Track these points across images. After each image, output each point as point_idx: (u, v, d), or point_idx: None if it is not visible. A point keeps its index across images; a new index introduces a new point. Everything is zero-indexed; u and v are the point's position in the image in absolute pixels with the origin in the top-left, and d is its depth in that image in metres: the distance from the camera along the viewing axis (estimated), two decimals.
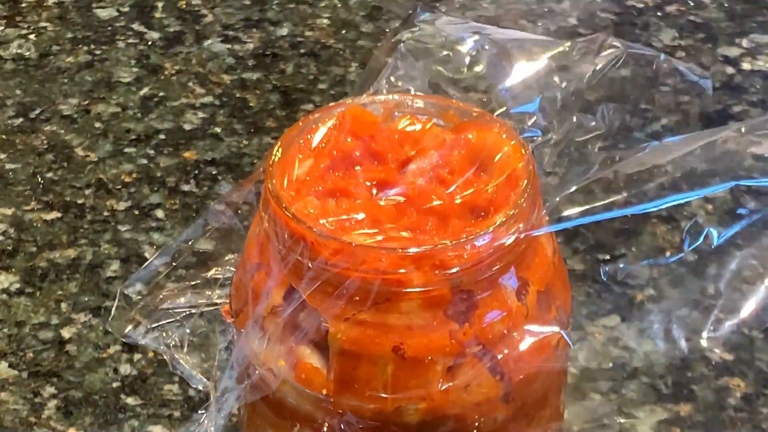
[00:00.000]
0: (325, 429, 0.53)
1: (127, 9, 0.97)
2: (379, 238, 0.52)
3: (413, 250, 0.51)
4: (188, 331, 0.60)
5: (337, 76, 0.90)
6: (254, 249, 0.55)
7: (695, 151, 0.61)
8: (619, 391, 0.66)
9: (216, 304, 0.60)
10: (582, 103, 0.82)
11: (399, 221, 0.52)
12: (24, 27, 0.96)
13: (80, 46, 0.94)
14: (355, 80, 0.89)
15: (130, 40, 0.94)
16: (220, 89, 0.89)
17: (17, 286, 0.74)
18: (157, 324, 0.71)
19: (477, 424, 0.53)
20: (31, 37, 0.95)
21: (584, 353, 0.68)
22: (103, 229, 0.78)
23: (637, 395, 0.66)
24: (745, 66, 0.90)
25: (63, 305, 0.73)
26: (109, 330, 0.71)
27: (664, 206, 0.59)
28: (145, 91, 0.89)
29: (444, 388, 0.52)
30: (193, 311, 0.60)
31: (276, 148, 0.56)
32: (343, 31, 0.94)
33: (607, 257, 0.75)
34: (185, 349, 0.59)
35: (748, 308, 0.61)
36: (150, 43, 0.94)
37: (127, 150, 0.84)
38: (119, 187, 0.81)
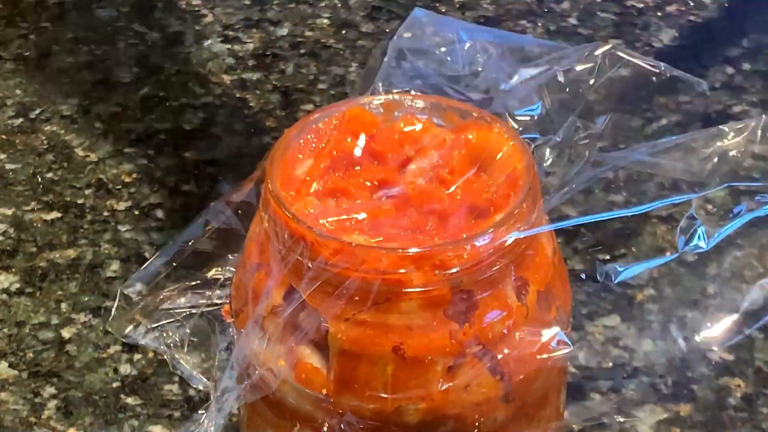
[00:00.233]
0: (325, 429, 0.53)
1: (127, 9, 0.97)
2: (379, 238, 0.52)
3: (413, 250, 0.51)
4: (188, 331, 0.60)
5: (337, 76, 0.90)
6: (254, 249, 0.55)
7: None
8: (619, 391, 0.66)
9: (216, 304, 0.60)
10: (582, 107, 0.82)
11: (399, 221, 0.52)
12: (24, 27, 0.96)
13: (80, 46, 0.94)
14: (355, 80, 0.89)
15: (130, 40, 0.94)
16: (220, 89, 0.89)
17: (17, 286, 0.75)
18: (157, 324, 0.71)
19: (477, 424, 0.53)
20: (31, 37, 0.95)
21: (584, 353, 0.68)
22: (103, 229, 0.78)
23: (637, 395, 0.67)
24: (745, 66, 0.90)
25: (63, 305, 0.73)
26: (109, 330, 0.71)
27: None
28: (145, 91, 0.89)
29: (444, 388, 0.52)
30: (193, 311, 0.60)
31: (276, 148, 0.56)
32: (343, 31, 0.94)
33: (607, 257, 0.75)
34: (185, 349, 0.60)
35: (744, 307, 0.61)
36: (150, 43, 0.94)
37: (127, 150, 0.84)
38: (119, 187, 0.81)
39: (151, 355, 0.69)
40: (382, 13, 0.96)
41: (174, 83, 0.90)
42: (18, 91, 0.90)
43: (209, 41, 0.94)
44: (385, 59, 0.61)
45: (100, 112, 0.88)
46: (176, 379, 0.68)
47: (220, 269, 0.61)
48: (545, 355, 0.54)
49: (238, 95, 0.89)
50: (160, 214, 0.79)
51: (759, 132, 0.56)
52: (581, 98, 0.75)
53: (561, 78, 0.64)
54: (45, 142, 0.85)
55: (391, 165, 0.55)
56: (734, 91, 0.88)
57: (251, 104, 0.88)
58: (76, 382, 0.69)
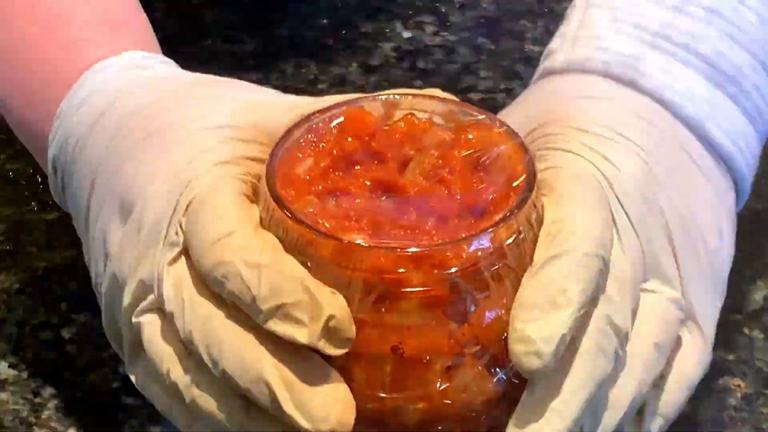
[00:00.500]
0: None
1: None
2: (379, 237, 0.52)
3: (412, 249, 0.51)
4: None
5: (337, 76, 0.90)
6: None
7: None
8: None
9: None
10: None
11: (399, 221, 0.52)
12: None
13: None
14: (355, 80, 0.89)
15: None
16: None
17: (17, 286, 0.75)
18: None
19: (476, 424, 0.53)
20: None
21: None
22: None
23: None
24: None
25: (63, 305, 0.73)
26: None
27: None
28: None
29: (443, 388, 0.52)
30: None
31: (276, 147, 0.56)
32: (343, 31, 0.94)
33: None
34: None
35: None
36: None
37: None
38: None
39: None
40: (382, 13, 0.96)
41: None
42: None
43: (209, 41, 0.94)
44: None
45: None
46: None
47: None
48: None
49: None
50: None
51: None
52: None
53: None
54: None
55: (391, 165, 0.55)
56: None
57: None
58: (76, 382, 0.69)
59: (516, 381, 0.52)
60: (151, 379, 0.56)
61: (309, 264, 0.51)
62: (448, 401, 0.52)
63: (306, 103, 0.58)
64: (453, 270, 0.51)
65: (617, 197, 0.55)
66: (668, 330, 0.55)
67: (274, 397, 0.50)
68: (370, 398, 0.52)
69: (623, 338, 0.53)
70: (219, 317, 0.52)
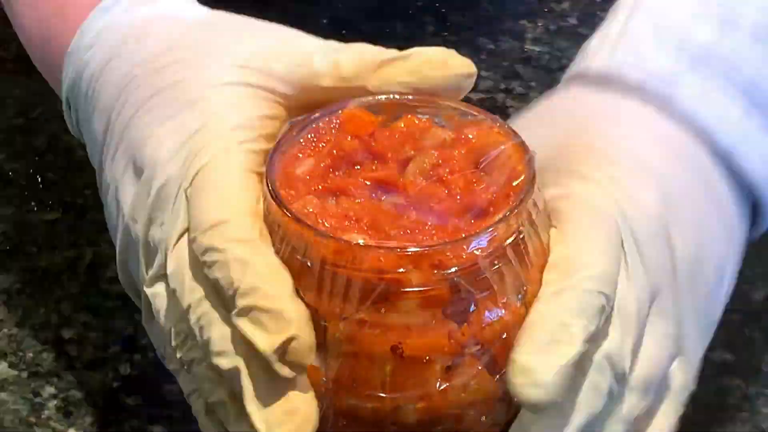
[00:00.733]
0: (324, 427, 0.53)
1: None
2: (379, 237, 0.52)
3: (412, 249, 0.51)
4: None
5: None
6: None
7: None
8: None
9: None
10: None
11: (398, 221, 0.52)
12: None
13: None
14: None
15: None
16: None
17: (17, 286, 0.75)
18: None
19: (475, 424, 0.53)
20: None
21: None
22: (103, 229, 0.78)
23: None
24: None
25: (63, 305, 0.73)
26: (110, 329, 0.71)
27: None
28: None
29: (442, 387, 0.52)
30: None
31: (276, 147, 0.56)
32: (343, 31, 0.94)
33: None
34: None
35: None
36: None
37: None
38: None
39: (151, 355, 0.69)
40: (382, 13, 0.96)
41: None
42: (18, 91, 0.90)
43: None
44: None
45: None
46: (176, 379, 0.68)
47: None
48: None
49: None
50: None
51: None
52: None
53: None
54: (45, 142, 0.85)
55: (391, 165, 0.55)
56: None
57: None
58: (76, 382, 0.69)
59: None
60: (160, 342, 0.57)
61: (309, 264, 0.51)
62: (447, 401, 0.52)
63: (331, 50, 0.58)
64: (453, 270, 0.51)
65: (632, 234, 0.55)
66: (660, 366, 0.55)
67: (241, 390, 0.50)
68: (370, 398, 0.52)
69: (621, 376, 0.53)
70: (208, 302, 0.52)
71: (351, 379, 0.51)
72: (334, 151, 0.56)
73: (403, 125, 0.57)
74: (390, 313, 0.51)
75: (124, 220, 0.58)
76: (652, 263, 0.55)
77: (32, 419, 0.67)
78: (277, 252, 0.52)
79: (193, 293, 0.53)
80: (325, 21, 0.96)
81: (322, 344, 0.52)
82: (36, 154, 0.84)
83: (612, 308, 0.53)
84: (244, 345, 0.50)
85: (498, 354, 0.52)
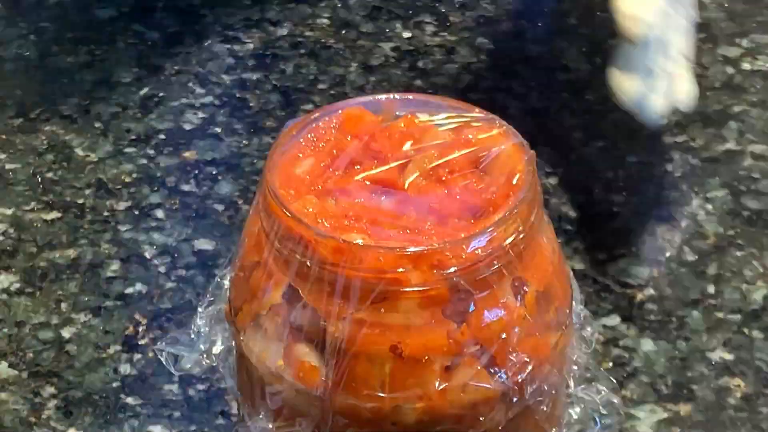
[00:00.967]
0: (324, 427, 0.53)
1: (127, 9, 0.97)
2: (378, 237, 0.52)
3: (412, 249, 0.51)
4: (189, 330, 0.60)
5: (337, 76, 0.90)
6: (253, 247, 0.55)
7: None
8: (619, 391, 0.66)
9: (216, 303, 0.60)
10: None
11: (398, 221, 0.52)
12: (24, 27, 0.96)
13: (80, 46, 0.94)
14: (355, 80, 0.89)
15: (130, 40, 0.94)
16: (220, 89, 0.89)
17: (17, 286, 0.74)
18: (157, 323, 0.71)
19: (474, 424, 0.53)
20: (31, 37, 0.95)
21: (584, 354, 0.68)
22: (103, 229, 0.78)
23: (637, 395, 0.67)
24: (745, 66, 0.90)
25: (63, 305, 0.73)
26: (110, 329, 0.71)
27: None
28: (145, 91, 0.89)
29: (441, 387, 0.52)
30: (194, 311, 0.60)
31: (275, 146, 0.56)
32: (343, 31, 0.94)
33: (607, 257, 0.75)
34: (186, 349, 0.60)
35: None
36: (150, 43, 0.94)
37: (127, 150, 0.84)
38: (119, 187, 0.81)
39: (151, 355, 0.69)
40: (382, 13, 0.96)
41: (174, 83, 0.90)
42: (18, 91, 0.90)
43: (209, 41, 0.94)
44: None
45: (100, 112, 0.88)
46: (176, 379, 0.68)
47: (220, 269, 0.61)
48: (543, 356, 0.54)
49: (238, 95, 0.89)
50: (160, 214, 0.79)
51: None
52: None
53: None
54: (45, 142, 0.85)
55: (391, 165, 0.55)
56: (734, 91, 0.88)
57: (251, 104, 0.88)
58: (76, 382, 0.69)
59: (515, 380, 0.52)
60: None
61: (309, 264, 0.51)
62: (446, 401, 0.52)
63: None
64: (452, 270, 0.51)
65: None
66: None
67: None
68: (370, 398, 0.52)
69: None
70: None
71: (351, 379, 0.51)
72: (334, 151, 0.56)
73: (403, 125, 0.57)
74: (389, 313, 0.51)
75: None
76: None
77: (32, 419, 0.67)
78: (276, 252, 0.52)
79: None
80: (325, 21, 0.96)
81: (322, 344, 0.52)
82: (36, 154, 0.84)
83: None
84: None
85: (497, 354, 0.52)
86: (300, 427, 0.54)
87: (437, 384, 0.52)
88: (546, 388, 0.55)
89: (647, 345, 0.69)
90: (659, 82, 0.72)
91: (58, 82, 0.90)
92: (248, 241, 0.56)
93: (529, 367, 0.53)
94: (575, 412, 0.59)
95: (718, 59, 0.90)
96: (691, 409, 0.66)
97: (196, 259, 0.75)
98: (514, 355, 0.53)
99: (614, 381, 0.59)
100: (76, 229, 0.78)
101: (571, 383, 0.58)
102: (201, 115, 0.87)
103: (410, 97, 0.58)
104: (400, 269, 0.50)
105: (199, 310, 0.59)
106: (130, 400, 0.67)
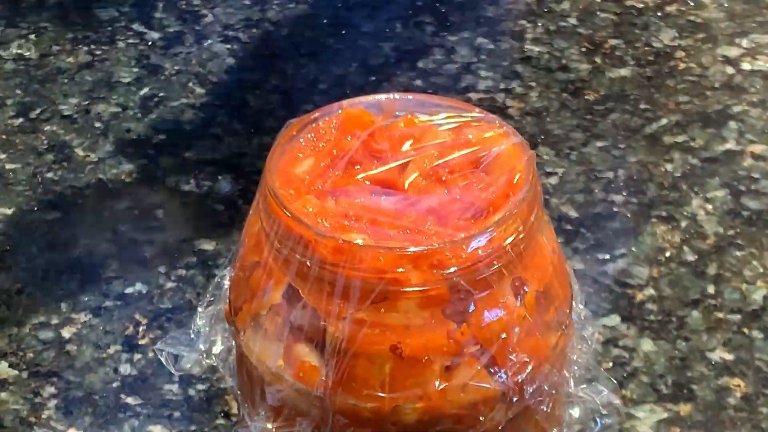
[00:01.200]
0: (324, 427, 0.53)
1: (127, 9, 0.97)
2: (378, 237, 0.52)
3: (412, 249, 0.51)
4: (189, 330, 0.60)
5: (337, 76, 0.90)
6: (253, 247, 0.55)
7: None
8: (619, 391, 0.66)
9: (216, 303, 0.60)
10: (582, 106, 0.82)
11: (398, 221, 0.52)
12: (24, 27, 0.96)
13: (80, 46, 0.94)
14: (355, 80, 0.89)
15: (130, 40, 0.94)
16: (220, 89, 0.89)
17: (17, 286, 0.75)
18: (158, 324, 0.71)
19: (474, 424, 0.53)
20: (31, 37, 0.95)
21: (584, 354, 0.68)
22: (103, 229, 0.78)
23: (637, 395, 0.67)
24: (745, 66, 0.90)
25: (63, 305, 0.73)
26: (110, 329, 0.71)
27: None
28: (145, 91, 0.89)
29: (441, 387, 0.52)
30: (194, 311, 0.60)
31: (275, 146, 0.56)
32: (343, 31, 0.94)
33: (607, 257, 0.75)
34: (186, 349, 0.60)
35: None
36: (150, 43, 0.94)
37: (127, 150, 0.84)
38: (119, 187, 0.81)
39: (151, 355, 0.69)
40: (382, 13, 0.96)
41: (174, 83, 0.90)
42: (18, 91, 0.90)
43: (209, 41, 0.94)
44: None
45: (100, 112, 0.88)
46: (176, 379, 0.68)
47: (220, 269, 0.61)
48: (543, 356, 0.54)
49: (238, 95, 0.89)
50: (160, 214, 0.79)
51: None
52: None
53: None
54: (45, 141, 0.85)
55: (391, 165, 0.55)
56: (734, 91, 0.88)
57: (251, 104, 0.88)
58: (76, 382, 0.69)
59: (515, 380, 0.52)
60: None
61: (309, 264, 0.51)
62: (446, 401, 0.52)
63: None
64: (452, 270, 0.51)
65: None
66: None
67: None
68: (370, 398, 0.52)
69: None
70: None
71: (351, 379, 0.51)
72: (334, 151, 0.56)
73: (403, 125, 0.57)
74: (389, 313, 0.51)
75: None
76: None
77: (32, 419, 0.67)
78: (276, 252, 0.52)
79: None
80: (325, 21, 0.96)
81: (322, 344, 0.52)
82: (36, 154, 0.84)
83: None
84: None
85: (497, 354, 0.52)
86: (300, 427, 0.54)
87: (437, 384, 0.51)
88: (546, 388, 0.55)
89: (647, 345, 0.69)
90: None
91: (58, 82, 0.90)
92: (248, 241, 0.56)
93: (529, 367, 0.53)
94: (575, 412, 0.59)
95: (718, 59, 0.91)
96: (691, 409, 0.66)
97: (196, 259, 0.75)
98: (514, 355, 0.53)
99: (614, 381, 0.59)
100: (76, 229, 0.78)
101: (571, 383, 0.58)
102: (201, 115, 0.87)
103: (410, 97, 0.58)
104: (400, 269, 0.50)
105: (199, 310, 0.59)
106: (130, 400, 0.67)
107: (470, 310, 0.51)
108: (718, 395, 0.66)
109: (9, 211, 0.80)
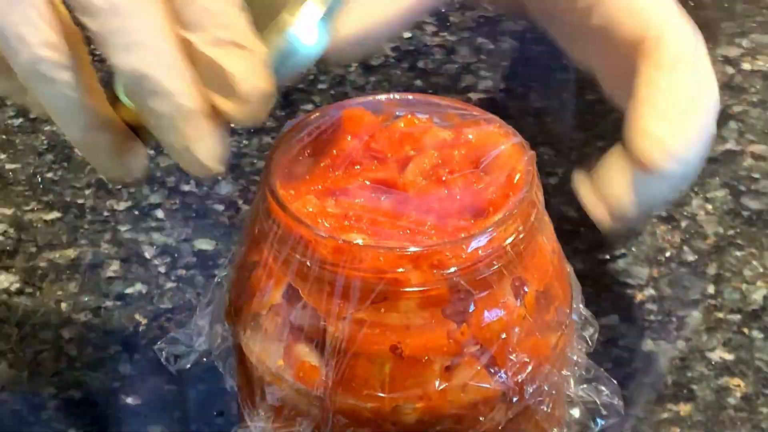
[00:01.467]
0: (324, 427, 0.53)
1: None
2: (378, 237, 0.52)
3: (412, 249, 0.51)
4: (189, 330, 0.60)
5: (337, 76, 0.90)
6: (253, 247, 0.55)
7: None
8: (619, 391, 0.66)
9: (216, 303, 0.60)
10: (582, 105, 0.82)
11: (398, 221, 0.52)
12: None
13: None
14: (355, 80, 0.89)
15: None
16: None
17: (17, 286, 0.74)
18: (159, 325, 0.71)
19: (474, 424, 0.53)
20: None
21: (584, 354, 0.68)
22: (103, 229, 0.78)
23: (637, 395, 0.66)
24: (745, 66, 0.90)
25: (63, 305, 0.73)
26: (110, 329, 0.71)
27: None
28: None
29: (441, 387, 0.52)
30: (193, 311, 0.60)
31: (275, 146, 0.56)
32: None
33: (607, 257, 0.75)
34: (186, 349, 0.60)
35: None
36: None
37: None
38: (119, 187, 0.81)
39: (151, 355, 0.69)
40: None
41: None
42: None
43: None
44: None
45: None
46: (176, 379, 0.68)
47: (220, 269, 0.61)
48: (543, 356, 0.54)
49: None
50: (160, 214, 0.79)
51: None
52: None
53: None
54: (45, 142, 0.85)
55: (391, 165, 0.55)
56: (734, 91, 0.88)
57: None
58: (76, 382, 0.69)
59: (515, 380, 0.52)
60: None
61: (308, 264, 0.51)
62: (447, 401, 0.52)
63: None
64: (452, 270, 0.51)
65: None
66: None
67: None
68: (370, 398, 0.52)
69: None
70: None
71: (351, 379, 0.51)
72: (334, 151, 0.56)
73: (403, 125, 0.57)
74: (389, 313, 0.51)
75: None
76: None
77: (32, 419, 0.67)
78: (276, 252, 0.52)
79: None
80: None
81: (322, 344, 0.52)
82: (36, 154, 0.84)
83: None
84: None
85: (497, 354, 0.52)
86: (300, 427, 0.54)
87: (437, 384, 0.52)
88: (546, 388, 0.55)
89: (647, 345, 0.69)
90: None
91: None
92: (248, 241, 0.56)
93: (529, 367, 0.53)
94: (575, 412, 0.59)
95: (718, 59, 0.90)
96: (691, 409, 0.66)
97: (196, 259, 0.75)
98: (514, 355, 0.53)
99: (614, 381, 0.59)
100: (76, 229, 0.78)
101: (571, 383, 0.58)
102: None
103: (410, 97, 0.58)
104: (400, 269, 0.50)
105: (199, 310, 0.59)
106: (130, 400, 0.67)
107: (470, 310, 0.51)
108: (718, 395, 0.66)
109: (9, 211, 0.80)
